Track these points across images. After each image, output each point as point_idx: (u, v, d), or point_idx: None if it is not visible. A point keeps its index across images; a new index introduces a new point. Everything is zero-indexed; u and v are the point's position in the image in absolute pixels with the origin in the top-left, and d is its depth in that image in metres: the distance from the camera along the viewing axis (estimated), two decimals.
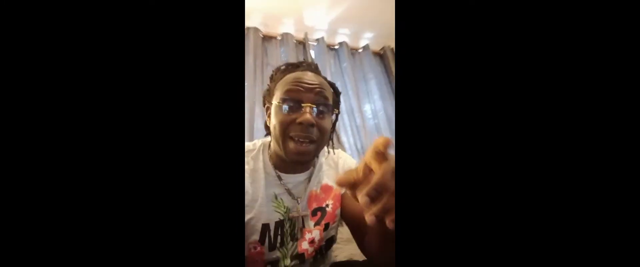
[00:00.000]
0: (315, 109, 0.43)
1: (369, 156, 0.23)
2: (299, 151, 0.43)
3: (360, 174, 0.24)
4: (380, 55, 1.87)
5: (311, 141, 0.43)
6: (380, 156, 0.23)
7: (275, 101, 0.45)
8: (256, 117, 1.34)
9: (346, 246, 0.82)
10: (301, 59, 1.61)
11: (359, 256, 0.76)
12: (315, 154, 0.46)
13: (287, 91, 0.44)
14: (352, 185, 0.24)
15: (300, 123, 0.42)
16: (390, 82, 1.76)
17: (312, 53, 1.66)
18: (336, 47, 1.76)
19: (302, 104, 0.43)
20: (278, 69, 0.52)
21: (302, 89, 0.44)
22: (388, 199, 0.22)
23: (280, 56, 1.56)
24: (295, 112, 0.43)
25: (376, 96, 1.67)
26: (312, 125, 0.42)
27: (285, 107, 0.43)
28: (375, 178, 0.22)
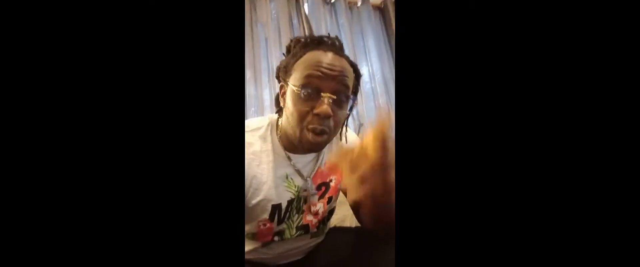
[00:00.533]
0: (333, 100, 0.42)
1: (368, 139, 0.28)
2: (315, 142, 0.42)
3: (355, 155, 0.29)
4: (380, 9, 1.72)
5: (325, 133, 0.43)
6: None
7: (292, 84, 0.43)
8: (248, 83, 1.28)
9: (339, 209, 0.86)
10: (294, 15, 1.47)
11: (350, 217, 0.80)
12: (327, 143, 0.46)
13: (307, 77, 0.41)
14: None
15: (317, 114, 0.41)
16: (389, 41, 1.65)
17: (306, 8, 1.51)
18: (332, 0, 1.60)
19: (322, 94, 0.41)
20: (298, 40, 0.48)
21: (322, 75, 0.41)
22: (363, 172, 0.27)
23: (271, 13, 1.42)
24: (313, 101, 0.42)
25: (374, 57, 1.58)
26: (329, 117, 0.41)
27: (303, 95, 0.41)
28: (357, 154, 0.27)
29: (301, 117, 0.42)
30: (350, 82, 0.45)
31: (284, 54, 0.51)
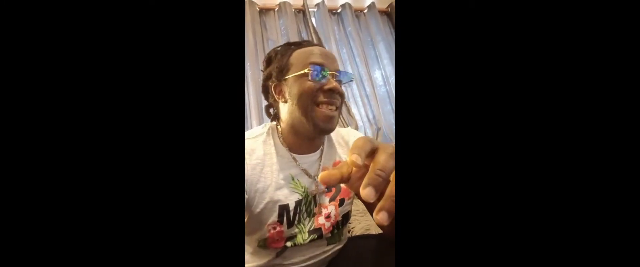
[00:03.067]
0: (336, 79, 0.47)
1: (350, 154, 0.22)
2: (328, 115, 0.45)
3: (345, 172, 0.23)
4: (387, 14, 1.72)
5: (336, 108, 0.46)
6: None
7: (297, 72, 0.46)
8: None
9: (363, 218, 0.84)
10: (302, 28, 1.51)
11: (375, 227, 0.78)
12: (336, 124, 0.48)
13: (312, 62, 0.46)
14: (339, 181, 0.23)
15: (330, 89, 0.44)
16: None
17: (314, 21, 1.55)
18: (339, 10, 1.63)
19: (329, 72, 0.46)
20: (275, 49, 0.52)
21: (323, 58, 0.46)
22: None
23: (280, 29, 1.48)
24: (321, 80, 0.45)
25: (386, 61, 1.57)
26: (338, 91, 0.45)
27: (314, 74, 0.45)
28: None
29: (312, 96, 0.45)
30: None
31: (262, 70, 0.53)
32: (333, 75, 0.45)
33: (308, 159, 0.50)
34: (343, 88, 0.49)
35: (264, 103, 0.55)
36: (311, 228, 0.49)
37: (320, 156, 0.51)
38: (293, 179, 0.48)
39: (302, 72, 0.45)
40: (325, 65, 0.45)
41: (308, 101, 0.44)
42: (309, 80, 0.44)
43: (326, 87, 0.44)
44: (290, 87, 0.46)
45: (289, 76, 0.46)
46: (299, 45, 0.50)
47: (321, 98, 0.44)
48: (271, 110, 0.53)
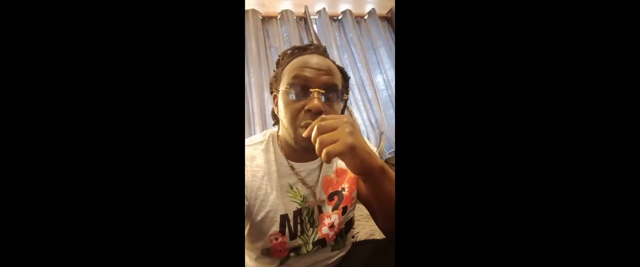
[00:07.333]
0: (323, 95, 0.42)
1: None
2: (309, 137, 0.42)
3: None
4: (387, 19, 1.74)
5: None
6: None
7: (282, 87, 0.44)
8: (267, 103, 1.33)
9: (367, 223, 0.83)
10: (304, 35, 1.53)
11: (379, 232, 0.77)
12: None
13: (294, 77, 0.43)
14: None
15: (309, 110, 0.41)
16: None
17: (315, 27, 1.57)
18: (340, 17, 1.65)
19: (311, 90, 0.42)
20: (284, 53, 0.50)
21: (309, 73, 0.42)
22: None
23: (282, 36, 1.50)
24: (304, 99, 0.42)
25: (387, 65, 1.58)
26: (320, 112, 0.41)
27: (292, 93, 0.42)
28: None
29: (294, 117, 0.42)
30: (338, 80, 0.45)
31: (274, 70, 0.53)
32: (318, 92, 0.41)
33: (306, 168, 0.49)
34: (339, 104, 0.45)
35: (267, 109, 0.55)
36: (315, 239, 0.48)
37: (321, 164, 0.51)
38: (291, 187, 0.47)
39: (284, 89, 0.43)
40: (307, 83, 0.42)
41: (290, 123, 0.43)
42: (290, 100, 0.42)
43: (306, 107, 0.41)
44: (280, 102, 0.45)
45: (280, 89, 0.45)
46: (302, 51, 0.48)
47: (302, 120, 0.42)
48: (277, 113, 0.53)
